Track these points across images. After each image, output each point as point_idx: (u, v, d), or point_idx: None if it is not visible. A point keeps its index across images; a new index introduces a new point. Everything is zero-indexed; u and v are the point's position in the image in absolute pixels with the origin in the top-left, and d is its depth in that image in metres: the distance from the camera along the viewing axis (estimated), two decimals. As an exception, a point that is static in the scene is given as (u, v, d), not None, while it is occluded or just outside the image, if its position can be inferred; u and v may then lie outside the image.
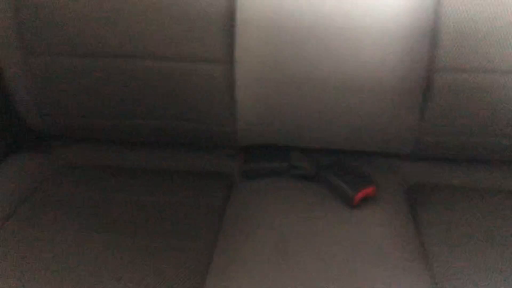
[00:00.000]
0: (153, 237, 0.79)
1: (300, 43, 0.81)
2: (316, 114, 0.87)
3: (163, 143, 0.98)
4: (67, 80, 0.89)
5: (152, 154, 0.99)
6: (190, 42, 0.84)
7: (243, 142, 0.94)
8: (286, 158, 0.92)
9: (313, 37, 0.81)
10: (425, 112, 0.85)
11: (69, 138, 1.00)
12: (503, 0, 0.77)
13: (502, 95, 0.82)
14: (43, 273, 0.74)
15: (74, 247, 0.78)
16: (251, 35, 0.83)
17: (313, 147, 0.93)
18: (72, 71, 0.88)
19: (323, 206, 0.85)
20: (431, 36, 0.80)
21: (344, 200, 0.85)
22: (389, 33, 0.79)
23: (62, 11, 0.83)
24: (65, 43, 0.86)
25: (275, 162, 0.92)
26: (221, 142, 0.95)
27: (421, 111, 0.86)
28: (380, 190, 0.88)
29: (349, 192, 0.84)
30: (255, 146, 0.95)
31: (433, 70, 0.82)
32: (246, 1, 0.81)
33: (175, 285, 0.73)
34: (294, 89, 0.85)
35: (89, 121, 0.94)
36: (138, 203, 0.86)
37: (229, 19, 0.82)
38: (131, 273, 0.74)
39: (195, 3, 0.81)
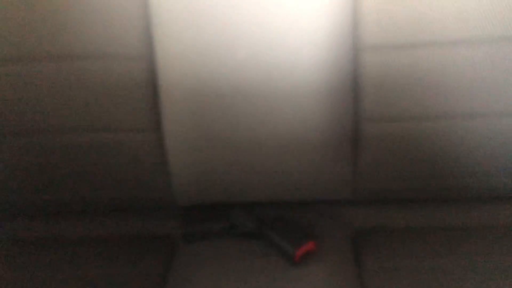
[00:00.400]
0: None
1: (225, 106, 0.81)
2: (251, 170, 0.87)
3: (100, 210, 0.96)
4: None
5: (90, 223, 0.96)
6: (115, 112, 0.83)
7: (181, 203, 0.93)
8: (227, 217, 0.91)
9: (237, 99, 0.81)
10: (357, 161, 0.86)
11: (5, 213, 0.97)
12: (418, 50, 0.78)
13: (433, 139, 0.84)
14: None
15: None
16: (176, 101, 0.82)
17: (254, 201, 0.92)
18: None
19: (266, 265, 0.84)
20: (354, 88, 0.81)
21: (286, 257, 0.84)
22: (311, 90, 0.80)
23: None
24: None
25: (216, 223, 0.91)
26: (158, 205, 0.93)
27: (354, 160, 0.86)
28: (324, 241, 0.88)
29: (289, 249, 0.83)
30: (195, 206, 0.93)
31: (359, 121, 0.83)
32: (167, 70, 0.80)
33: None
34: (226, 149, 0.85)
35: (22, 195, 0.91)
36: (75, 277, 0.84)
37: (152, 87, 0.82)
38: None
39: (116, 74, 0.81)
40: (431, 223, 0.91)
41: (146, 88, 0.82)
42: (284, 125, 0.83)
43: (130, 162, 0.87)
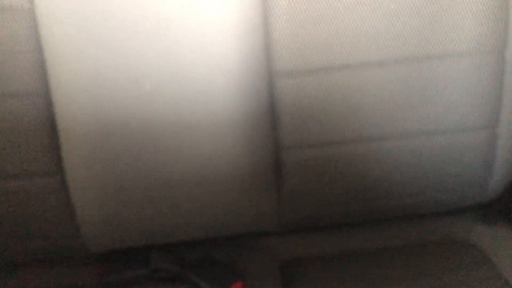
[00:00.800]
0: None
1: (133, 142, 0.75)
2: (168, 209, 0.81)
3: (8, 264, 0.88)
4: None
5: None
6: (11, 156, 0.76)
7: (95, 250, 0.85)
8: (146, 262, 0.85)
9: (146, 135, 0.75)
10: (280, 190, 0.83)
11: None
12: (332, 74, 0.77)
13: (354, 163, 0.82)
14: None
15: None
16: (77, 140, 0.76)
17: (175, 242, 0.87)
18: None
19: None
20: (271, 117, 0.78)
21: (213, 301, 0.79)
22: (225, 120, 0.76)
23: None
24: None
25: (134, 269, 0.84)
26: (70, 254, 0.86)
27: (277, 190, 0.83)
28: (253, 278, 0.83)
29: None
30: (111, 253, 0.87)
31: (279, 150, 0.80)
32: (64, 107, 0.74)
33: None
34: (137, 189, 0.79)
35: None
36: None
37: (50, 126, 0.75)
38: None
39: (9, 113, 0.74)
40: (362, 247, 0.90)
41: (43, 128, 0.75)
42: (200, 159, 0.78)
43: (33, 209, 0.80)
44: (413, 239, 0.90)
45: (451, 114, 0.79)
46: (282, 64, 0.75)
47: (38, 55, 0.72)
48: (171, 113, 0.74)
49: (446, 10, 0.74)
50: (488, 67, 0.78)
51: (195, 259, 0.85)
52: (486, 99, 0.80)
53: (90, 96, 0.73)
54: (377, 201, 0.86)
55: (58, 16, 0.71)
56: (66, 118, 0.74)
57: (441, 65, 0.77)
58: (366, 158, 0.82)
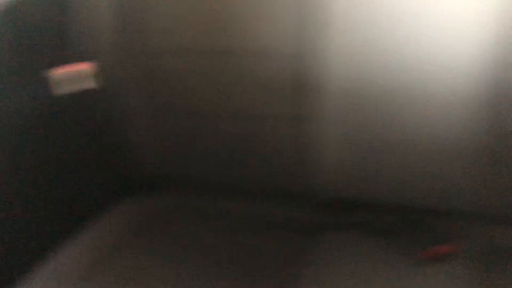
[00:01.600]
0: None
1: (381, 104, 0.85)
2: (394, 171, 0.89)
3: (247, 195, 1.01)
4: None
5: (231, 202, 1.01)
6: (268, 101, 0.90)
7: (323, 196, 0.96)
8: (364, 212, 0.94)
9: (395, 98, 0.84)
10: (502, 177, 0.85)
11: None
12: None
13: None
14: None
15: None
16: (329, 97, 0.87)
17: (395, 203, 0.93)
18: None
19: (395, 262, 0.84)
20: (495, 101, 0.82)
21: (415, 256, 0.85)
22: (459, 102, 0.82)
23: None
24: None
25: (354, 216, 0.94)
26: (300, 194, 0.97)
27: (499, 176, 0.85)
28: (457, 249, 0.86)
29: (420, 249, 0.84)
30: (334, 199, 0.97)
31: (502, 134, 0.83)
32: (330, 66, 0.86)
33: None
34: (374, 147, 0.87)
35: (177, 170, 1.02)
36: (216, 245, 0.90)
37: (305, 81, 0.87)
38: None
39: (273, 69, 0.88)
40: None
41: (298, 79, 0.87)
42: (431, 130, 0.85)
43: (276, 150, 0.92)
44: None
45: None
46: None
47: (305, 21, 0.86)
48: (418, 83, 0.84)
49: None
50: None
51: (407, 219, 0.92)
52: None
53: (355, 58, 0.85)
54: None
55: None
56: (329, 74, 0.86)
57: None
58: None
